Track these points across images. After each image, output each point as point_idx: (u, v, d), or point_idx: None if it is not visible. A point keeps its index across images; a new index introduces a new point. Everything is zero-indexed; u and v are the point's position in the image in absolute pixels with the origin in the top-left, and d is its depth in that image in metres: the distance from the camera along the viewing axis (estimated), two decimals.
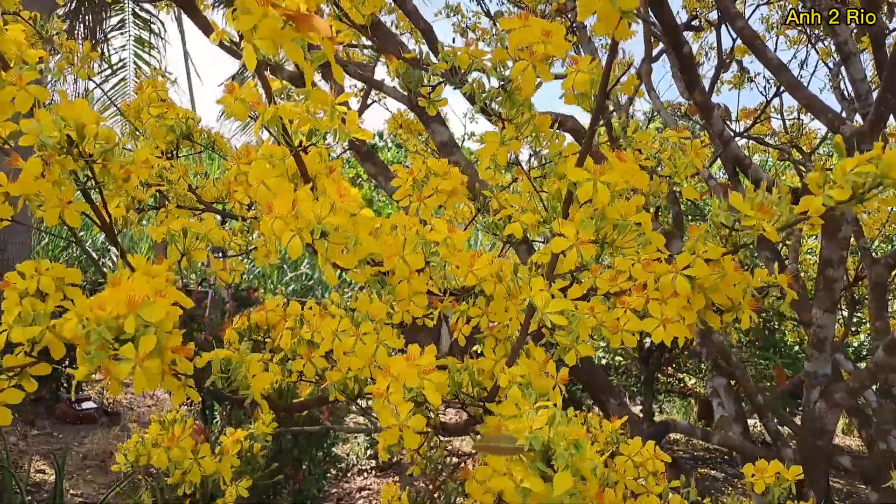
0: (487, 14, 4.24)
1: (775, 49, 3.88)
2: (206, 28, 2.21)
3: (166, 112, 1.87)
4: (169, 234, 1.36)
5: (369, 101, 3.14)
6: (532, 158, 1.36)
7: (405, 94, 1.80)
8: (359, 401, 1.25)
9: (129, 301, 0.86)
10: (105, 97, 9.52)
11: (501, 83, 1.16)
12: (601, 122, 1.13)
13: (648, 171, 1.51)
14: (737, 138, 3.65)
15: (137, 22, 8.83)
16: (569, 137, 1.58)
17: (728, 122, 3.93)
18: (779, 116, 4.30)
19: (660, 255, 1.09)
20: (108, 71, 9.38)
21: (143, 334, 0.84)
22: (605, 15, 0.69)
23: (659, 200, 1.51)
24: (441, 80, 1.38)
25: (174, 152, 1.99)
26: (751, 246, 0.97)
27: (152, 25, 9.20)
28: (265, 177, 0.89)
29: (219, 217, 1.90)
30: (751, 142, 4.34)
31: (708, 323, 1.10)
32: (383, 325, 1.15)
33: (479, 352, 1.32)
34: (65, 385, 5.32)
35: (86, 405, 5.25)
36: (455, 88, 1.34)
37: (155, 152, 1.90)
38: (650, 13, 2.27)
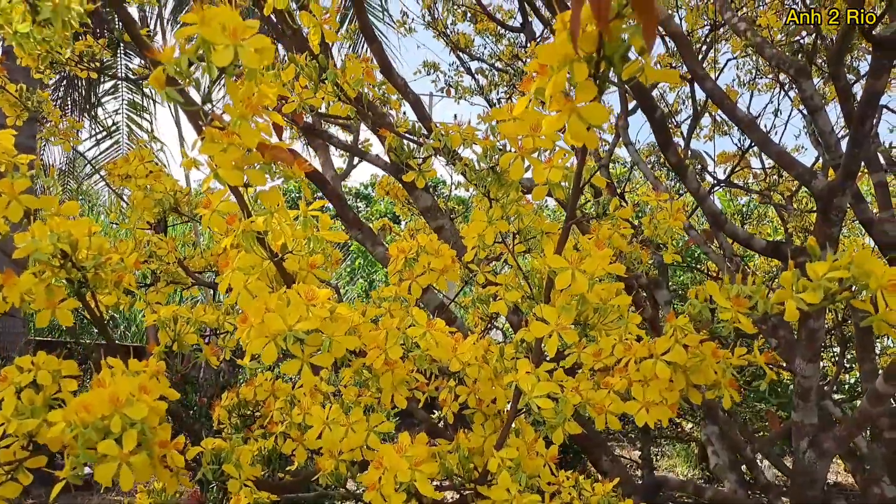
0: (469, 71, 4.35)
1: (750, 99, 3.98)
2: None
3: (154, 185, 1.91)
4: (160, 321, 1.38)
5: (355, 162, 3.20)
6: (516, 236, 1.39)
7: (388, 163, 1.84)
8: (350, 483, 1.26)
9: (112, 401, 0.89)
10: (97, 159, 9.60)
11: (491, 166, 1.21)
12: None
13: (629, 237, 1.55)
14: (716, 187, 3.73)
15: (130, 86, 8.97)
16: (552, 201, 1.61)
17: (707, 170, 4.01)
18: (758, 158, 4.39)
19: (640, 335, 1.11)
20: (102, 134, 9.51)
21: (127, 431, 0.87)
22: (575, 132, 0.73)
23: (642, 266, 1.55)
24: (432, 154, 1.43)
25: (162, 223, 2.02)
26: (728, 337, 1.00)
27: (144, 89, 9.32)
28: (242, 288, 0.92)
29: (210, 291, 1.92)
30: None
31: (691, 400, 1.13)
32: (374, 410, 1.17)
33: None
34: (59, 454, 5.22)
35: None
36: (446, 165, 1.39)
37: (142, 224, 1.93)
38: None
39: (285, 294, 0.94)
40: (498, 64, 4.23)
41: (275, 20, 2.00)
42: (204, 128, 0.83)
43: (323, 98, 1.39)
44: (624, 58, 0.71)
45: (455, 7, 4.06)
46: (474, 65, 4.18)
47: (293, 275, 1.08)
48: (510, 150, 1.05)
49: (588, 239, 1.56)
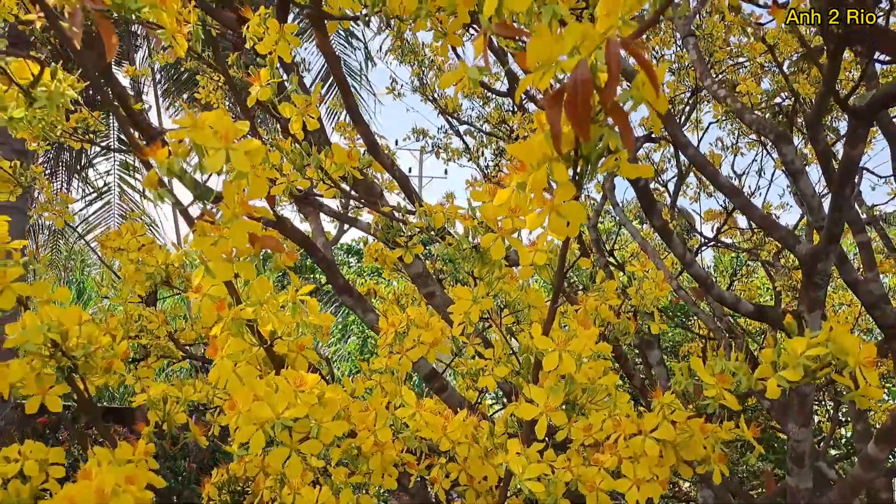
0: (457, 134, 4.44)
1: (734, 158, 4.07)
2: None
3: (146, 258, 1.92)
4: (149, 401, 1.38)
5: (346, 228, 3.24)
6: (503, 308, 1.41)
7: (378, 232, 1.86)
8: None
9: (98, 493, 0.89)
10: (88, 220, 9.63)
11: (474, 245, 1.23)
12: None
13: (616, 309, 1.57)
14: (704, 247, 3.78)
15: (122, 147, 9.08)
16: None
17: (694, 228, 4.07)
18: (744, 216, 4.46)
19: (630, 413, 1.12)
20: (93, 195, 9.56)
21: None
22: (556, 228, 0.76)
23: (629, 338, 1.56)
24: (418, 232, 1.45)
25: (153, 295, 2.03)
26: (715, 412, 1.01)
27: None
28: (230, 375, 0.93)
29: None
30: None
31: (682, 475, 1.13)
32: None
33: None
34: None
35: None
36: (429, 244, 1.41)
37: (133, 298, 1.93)
38: None
39: (273, 380, 0.95)
40: (486, 126, 4.33)
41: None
42: (195, 222, 0.85)
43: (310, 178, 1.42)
44: (600, 156, 0.73)
45: (441, 73, 4.17)
46: (463, 127, 4.29)
47: (282, 357, 1.09)
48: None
49: (575, 310, 1.59)
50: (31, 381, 1.03)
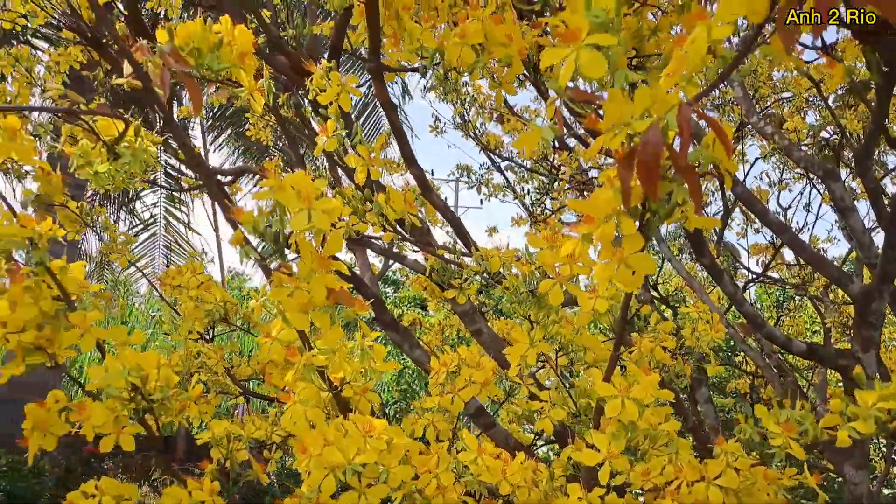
0: (498, 169, 4.48)
1: (779, 193, 4.03)
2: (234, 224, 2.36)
3: (205, 296, 1.99)
4: (213, 439, 1.42)
5: (391, 263, 3.29)
6: (559, 350, 1.42)
7: (427, 269, 1.89)
8: None
9: None
10: (135, 251, 9.88)
11: (531, 290, 1.25)
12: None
13: (671, 351, 1.57)
14: (751, 283, 3.74)
15: (168, 180, 9.34)
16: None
17: (740, 262, 4.03)
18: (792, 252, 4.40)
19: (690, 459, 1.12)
20: (139, 226, 9.82)
21: None
22: (624, 279, 0.77)
23: (684, 381, 1.56)
24: (472, 276, 1.48)
25: (210, 332, 2.08)
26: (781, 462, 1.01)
27: (182, 182, 9.69)
28: (302, 420, 0.96)
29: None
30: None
31: None
32: None
33: None
34: None
35: None
36: (487, 288, 1.44)
37: (193, 335, 1.99)
38: None
39: (342, 425, 0.98)
40: (527, 162, 4.37)
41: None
42: (272, 274, 0.89)
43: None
44: (670, 212, 0.75)
45: (483, 110, 4.24)
46: (504, 162, 4.34)
47: (346, 400, 1.12)
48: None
49: (629, 351, 1.59)
50: (110, 422, 1.08)
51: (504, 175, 4.40)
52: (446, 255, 1.46)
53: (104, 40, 2.03)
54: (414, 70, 1.36)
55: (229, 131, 9.73)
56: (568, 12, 0.70)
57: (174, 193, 9.96)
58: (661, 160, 0.69)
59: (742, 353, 3.57)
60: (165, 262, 10.05)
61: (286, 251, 0.82)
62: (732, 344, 4.92)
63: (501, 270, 1.33)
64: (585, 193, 3.75)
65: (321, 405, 1.04)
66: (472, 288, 1.48)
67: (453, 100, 4.15)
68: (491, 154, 4.33)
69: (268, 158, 7.34)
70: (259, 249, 0.90)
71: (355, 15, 1.40)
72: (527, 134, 0.72)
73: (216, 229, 11.12)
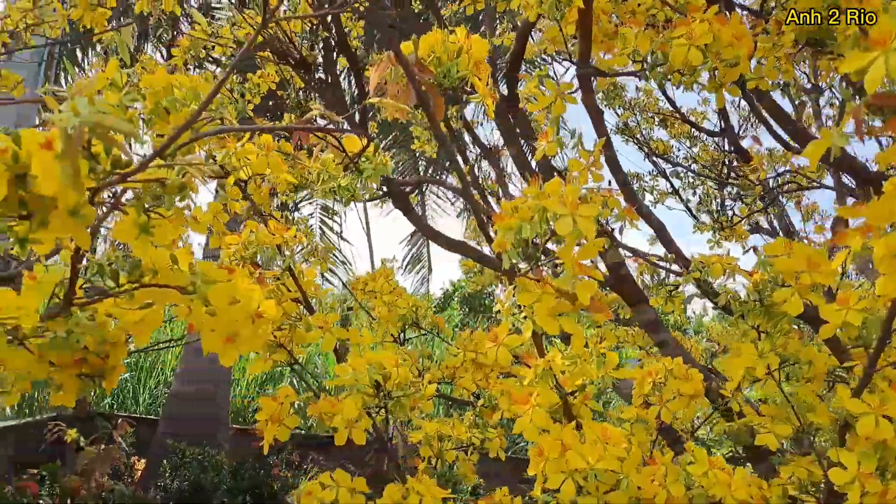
0: (663, 175, 4.36)
1: None
2: (418, 221, 2.46)
3: (397, 301, 2.08)
4: (425, 437, 1.48)
5: None
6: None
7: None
8: None
9: None
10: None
11: (758, 298, 1.21)
12: None
13: None
14: None
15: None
16: None
17: None
18: None
19: None
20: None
21: None
22: None
23: None
24: (691, 282, 1.45)
25: (402, 335, 2.18)
26: None
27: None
28: (546, 424, 0.97)
29: None
30: None
31: None
32: None
33: None
34: None
35: None
36: (712, 301, 1.40)
37: (387, 337, 2.10)
38: None
39: (577, 431, 0.99)
40: (694, 166, 4.22)
41: None
42: (516, 280, 0.92)
43: None
44: None
45: (648, 115, 4.14)
46: (669, 168, 4.21)
47: (570, 407, 1.13)
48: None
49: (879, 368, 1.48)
50: (355, 416, 1.15)
51: (669, 181, 4.27)
52: (658, 263, 1.44)
53: (311, 63, 2.19)
54: (629, 74, 1.35)
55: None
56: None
57: (328, 205, 10.47)
58: None
59: None
60: (319, 269, 10.59)
61: (539, 257, 0.84)
62: None
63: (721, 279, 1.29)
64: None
65: (555, 412, 1.06)
66: (681, 296, 1.45)
67: (617, 105, 4.10)
68: (658, 159, 4.22)
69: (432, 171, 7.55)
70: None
71: (566, 19, 1.41)
72: (816, 143, 0.69)
73: (368, 237, 11.59)
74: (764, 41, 1.39)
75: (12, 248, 0.80)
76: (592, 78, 1.44)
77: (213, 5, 7.50)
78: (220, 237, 1.33)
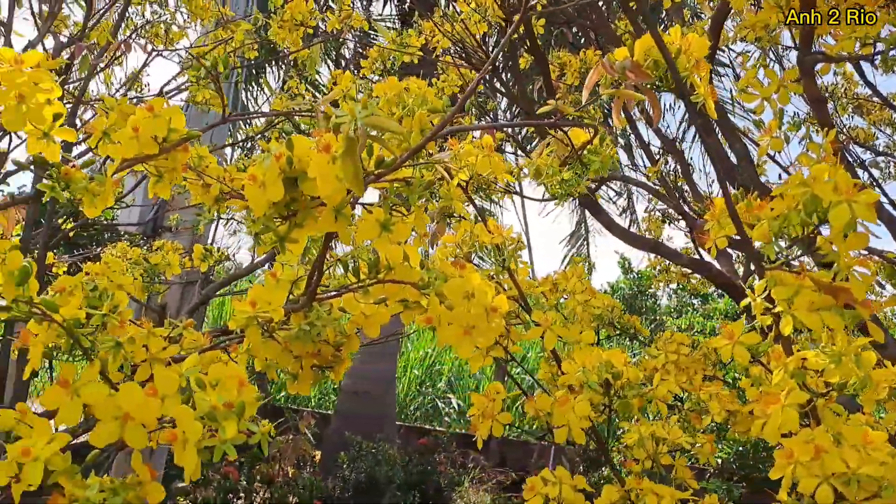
0: (862, 165, 4.00)
1: None
2: (610, 224, 2.42)
3: (591, 300, 2.06)
4: (637, 440, 1.45)
5: None
6: None
7: None
8: None
9: None
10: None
11: None
12: None
13: None
14: None
15: (479, 194, 9.96)
16: None
17: None
18: None
19: None
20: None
21: None
22: None
23: None
24: None
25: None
26: None
27: (491, 195, 10.31)
28: (791, 425, 0.92)
29: None
30: None
31: None
32: None
33: None
34: None
35: None
36: None
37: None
38: None
39: (831, 435, 0.92)
40: None
41: None
42: (766, 273, 0.87)
43: None
44: None
45: (843, 100, 3.81)
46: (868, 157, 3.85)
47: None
48: None
49: None
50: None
51: (867, 170, 3.91)
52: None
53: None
54: (859, 59, 1.25)
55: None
56: None
57: (483, 206, 10.59)
58: None
59: None
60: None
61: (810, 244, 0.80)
62: None
63: None
64: None
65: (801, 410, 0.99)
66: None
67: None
68: (860, 148, 3.87)
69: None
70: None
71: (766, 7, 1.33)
72: None
73: (528, 237, 11.59)
74: None
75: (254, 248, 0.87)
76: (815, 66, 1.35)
77: (373, 18, 7.84)
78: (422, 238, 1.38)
